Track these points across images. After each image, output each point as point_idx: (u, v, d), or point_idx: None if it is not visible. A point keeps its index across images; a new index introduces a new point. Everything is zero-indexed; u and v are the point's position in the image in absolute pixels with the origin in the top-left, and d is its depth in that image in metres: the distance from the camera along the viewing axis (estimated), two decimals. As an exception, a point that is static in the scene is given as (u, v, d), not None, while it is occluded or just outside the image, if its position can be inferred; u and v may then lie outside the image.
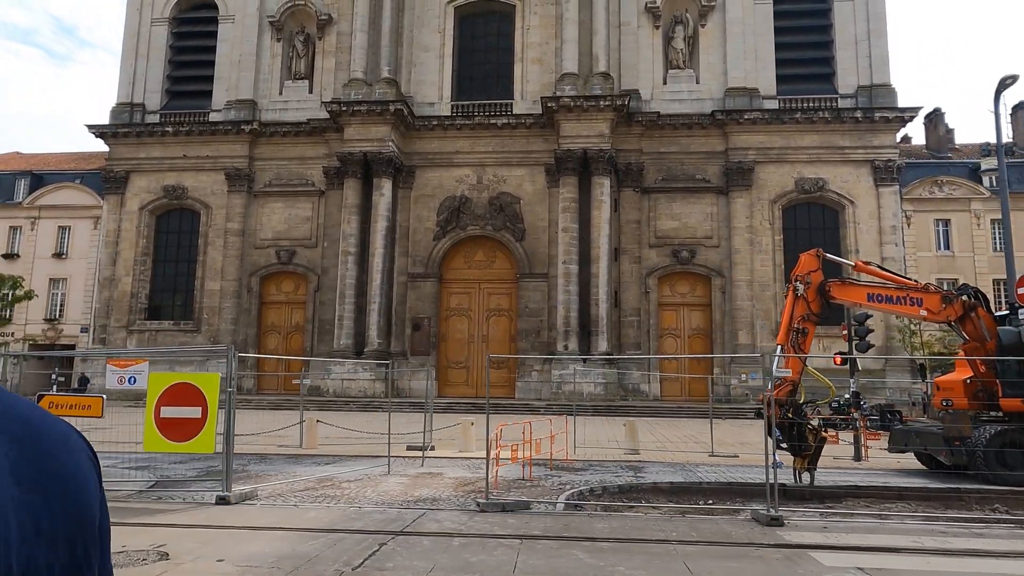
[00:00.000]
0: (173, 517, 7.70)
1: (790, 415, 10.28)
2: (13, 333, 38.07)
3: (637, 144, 36.46)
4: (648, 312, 35.80)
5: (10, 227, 39.98)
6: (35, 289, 37.78)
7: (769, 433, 9.28)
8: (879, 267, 11.47)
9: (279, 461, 12.89)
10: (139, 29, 40.64)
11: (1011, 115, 39.56)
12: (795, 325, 11.03)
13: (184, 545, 6.17)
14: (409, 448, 14.80)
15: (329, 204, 38.03)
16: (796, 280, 11.12)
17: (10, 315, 33.43)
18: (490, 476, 8.83)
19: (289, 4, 40.07)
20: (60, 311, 38.83)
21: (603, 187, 34.89)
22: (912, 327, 32.00)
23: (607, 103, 34.62)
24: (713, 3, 37.34)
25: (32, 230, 39.74)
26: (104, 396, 9.81)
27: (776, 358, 11.13)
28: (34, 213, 39.84)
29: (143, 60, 40.37)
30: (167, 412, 8.65)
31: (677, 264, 35.99)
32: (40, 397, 10.08)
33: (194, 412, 8.59)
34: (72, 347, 38.35)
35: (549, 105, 34.98)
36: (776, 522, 7.83)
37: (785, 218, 35.78)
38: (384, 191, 36.06)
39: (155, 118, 39.79)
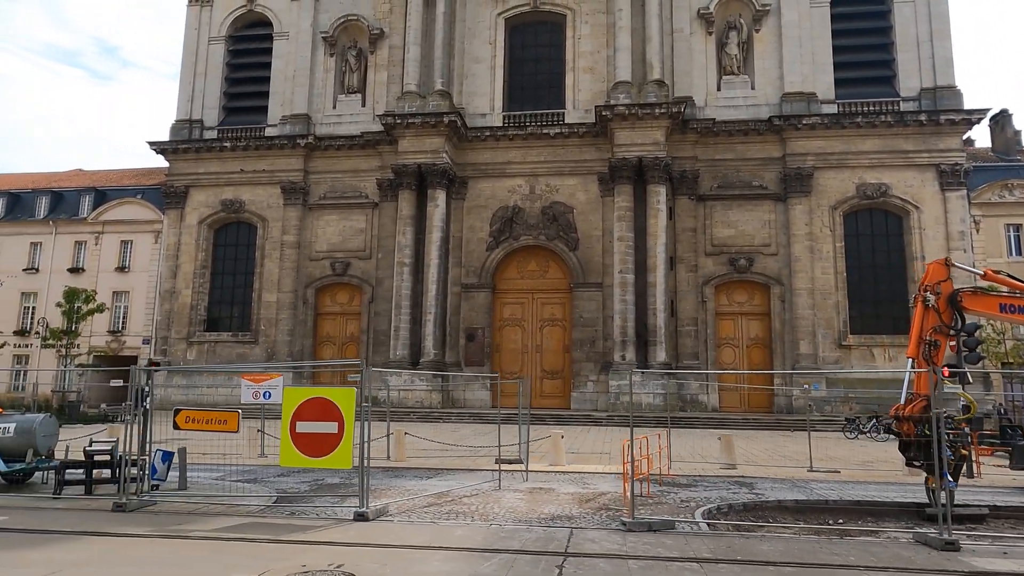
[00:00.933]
0: (325, 534, 7.69)
1: (927, 431, 9.88)
2: (79, 344, 38.99)
3: (692, 151, 36.08)
4: (705, 322, 35.28)
5: (75, 242, 41.12)
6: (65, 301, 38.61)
7: (923, 454, 8.90)
8: (1009, 276, 10.95)
9: (379, 475, 12.85)
10: (197, 48, 41.64)
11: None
12: (926, 337, 10.64)
13: (364, 565, 6.11)
14: (498, 461, 14.67)
15: (383, 216, 38.35)
16: (925, 290, 10.75)
17: (78, 328, 34.35)
18: (622, 493, 8.63)
19: (342, 19, 40.68)
20: (123, 323, 39.77)
21: (659, 195, 34.59)
22: (996, 336, 30.95)
23: (662, 111, 34.36)
24: (768, 8, 36.88)
25: (96, 245, 40.81)
26: (240, 411, 9.91)
27: (907, 372, 10.75)
28: (98, 228, 40.93)
29: (201, 78, 41.32)
30: (303, 427, 8.66)
31: (734, 272, 35.43)
32: (177, 411, 10.22)
33: (330, 427, 8.59)
34: (134, 359, 39.15)
35: (603, 114, 34.83)
36: (951, 547, 7.49)
37: (846, 225, 34.99)
38: (438, 202, 36.25)
39: (213, 134, 40.66)
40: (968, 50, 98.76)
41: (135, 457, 9.70)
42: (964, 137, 35.27)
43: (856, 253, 34.96)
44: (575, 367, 35.93)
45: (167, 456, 10.76)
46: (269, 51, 41.52)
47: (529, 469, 13.44)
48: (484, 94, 38.74)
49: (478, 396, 36.27)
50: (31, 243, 41.49)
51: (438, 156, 36.33)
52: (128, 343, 39.64)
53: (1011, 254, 34.27)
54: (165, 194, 40.29)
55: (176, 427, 9.96)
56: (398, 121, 36.35)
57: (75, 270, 40.79)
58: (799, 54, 36.15)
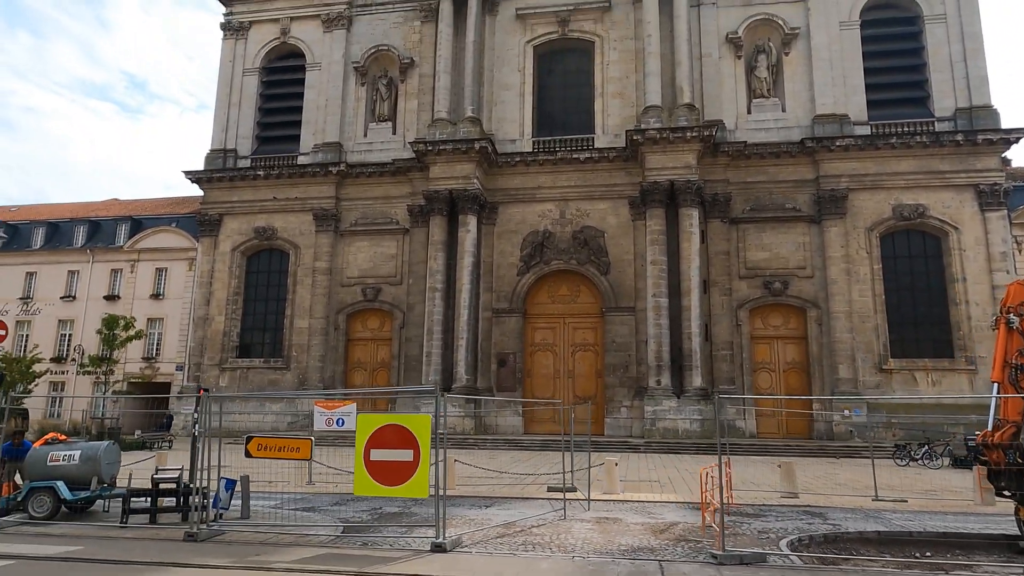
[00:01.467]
0: (408, 566, 7.52)
1: (1020, 459, 9.47)
2: (113, 371, 39.34)
3: (723, 174, 35.95)
4: (740, 346, 34.79)
5: (112, 270, 41.76)
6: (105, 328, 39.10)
7: (1015, 484, 8.53)
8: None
9: (426, 504, 12.57)
10: (232, 79, 42.54)
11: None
12: (1011, 360, 10.27)
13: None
14: (550, 489, 14.40)
15: (413, 242, 38.54)
16: (1007, 311, 10.41)
17: (117, 355, 34.78)
18: (700, 523, 8.36)
19: (373, 50, 41.41)
20: (156, 350, 40.14)
21: (692, 218, 34.42)
22: None
23: (693, 134, 34.35)
24: (797, 31, 36.94)
25: (132, 272, 41.41)
26: (312, 439, 9.80)
27: (993, 397, 10.38)
28: (133, 256, 41.56)
29: (235, 108, 42.14)
30: (377, 455, 8.53)
31: (769, 296, 34.99)
32: (249, 439, 10.14)
33: (405, 455, 8.44)
34: (167, 385, 39.46)
35: (635, 138, 34.89)
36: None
37: (883, 246, 34.48)
38: (470, 227, 36.36)
39: (246, 163, 41.32)
40: (1003, 68, 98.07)
41: (201, 486, 9.59)
42: (1001, 156, 34.77)
43: (894, 275, 34.39)
44: (608, 392, 35.52)
45: (230, 484, 10.67)
46: (301, 81, 42.30)
47: (596, 498, 13.09)
48: (513, 120, 39.05)
49: (510, 422, 35.95)
50: (68, 271, 42.22)
51: (469, 182, 36.54)
52: (162, 369, 39.97)
53: (1055, 275, 33.46)
54: (199, 222, 40.88)
55: (248, 455, 9.86)
56: (429, 148, 36.68)
57: (111, 297, 41.37)
58: (830, 76, 36.05)
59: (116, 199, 48.80)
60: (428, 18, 40.99)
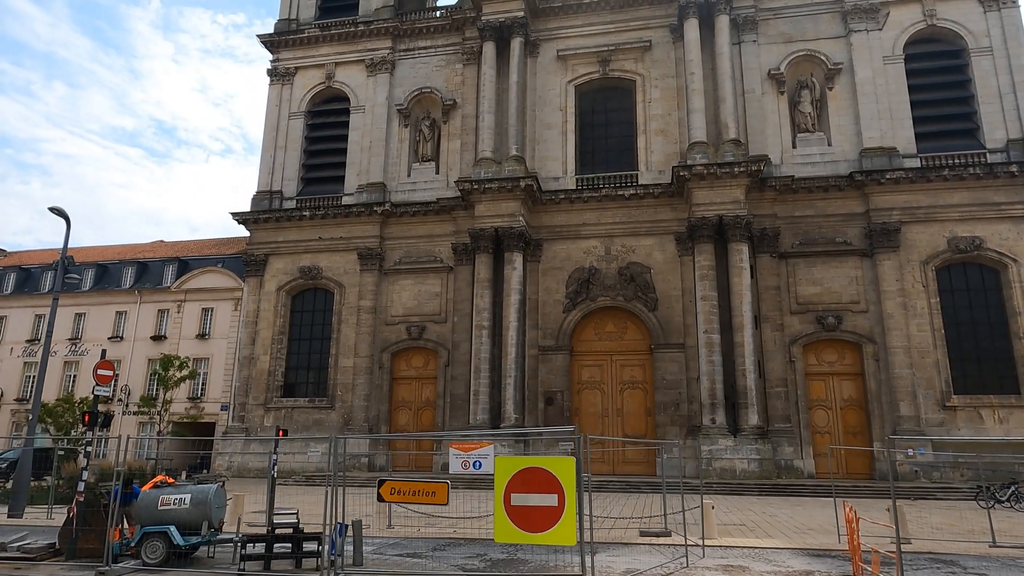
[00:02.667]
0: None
1: None
2: (168, 410, 39.36)
3: (771, 209, 35.67)
4: (795, 382, 33.99)
5: (158, 310, 42.31)
6: (162, 369, 39.34)
7: None
8: None
9: (543, 551, 12.02)
10: (278, 123, 43.54)
11: None
12: None
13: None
14: (643, 534, 13.87)
15: (458, 280, 38.56)
16: None
17: (171, 394, 34.98)
18: (856, 570, 7.88)
19: (416, 92, 42.21)
20: (202, 389, 40.25)
21: (741, 253, 34.06)
22: None
23: (741, 169, 34.24)
24: (840, 66, 36.99)
25: (178, 312, 41.89)
26: (448, 482, 9.55)
27: None
28: (180, 296, 42.10)
29: (281, 151, 43.02)
30: (518, 499, 8.23)
31: (823, 331, 34.29)
32: (381, 483, 9.89)
33: (549, 499, 8.14)
34: (212, 425, 39.44)
35: (681, 174, 34.85)
36: None
37: (939, 280, 33.76)
38: (516, 265, 36.32)
39: (292, 203, 41.95)
40: None
41: (327, 533, 9.29)
42: (1058, 187, 34.07)
43: (952, 309, 33.58)
44: (659, 431, 34.73)
45: (343, 529, 10.39)
46: (345, 124, 43.14)
47: (710, 543, 12.52)
48: (556, 158, 39.31)
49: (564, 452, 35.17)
50: (116, 312, 42.80)
51: (515, 220, 36.66)
52: (207, 409, 40.03)
53: (1123, 307, 32.42)
54: (246, 262, 41.37)
55: (380, 499, 9.61)
56: (475, 186, 36.95)
57: (158, 338, 41.80)
58: (876, 110, 35.91)
59: (162, 241, 49.74)
60: (470, 61, 41.78)
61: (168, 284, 42.41)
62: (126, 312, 42.55)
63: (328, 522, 9.29)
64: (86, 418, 12.42)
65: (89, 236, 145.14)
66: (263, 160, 43.17)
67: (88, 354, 42.46)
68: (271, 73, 44.70)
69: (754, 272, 34.68)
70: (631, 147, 39.15)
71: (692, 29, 37.27)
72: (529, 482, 8.32)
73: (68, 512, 11.34)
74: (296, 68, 44.44)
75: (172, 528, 10.60)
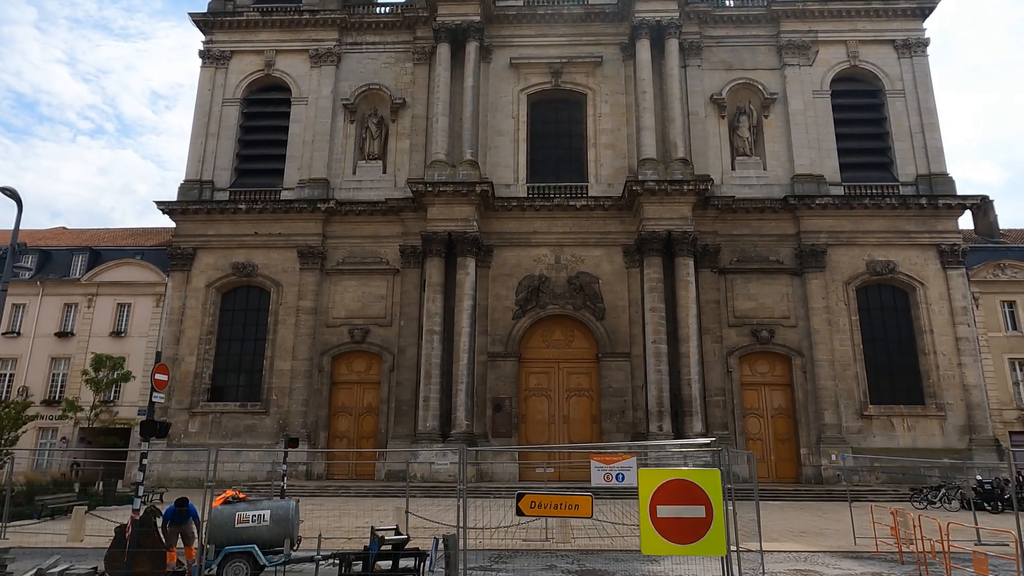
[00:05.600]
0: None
1: None
2: (63, 415, 35.74)
3: (712, 226, 37.53)
4: (732, 392, 35.91)
5: (65, 304, 38.34)
6: (92, 369, 35.89)
7: None
8: None
9: (576, 557, 12.06)
10: (210, 109, 40.85)
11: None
12: None
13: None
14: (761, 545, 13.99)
15: (405, 283, 37.73)
16: None
17: (109, 397, 31.58)
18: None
19: (363, 88, 40.99)
20: (115, 392, 36.75)
21: (687, 268, 35.60)
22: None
23: (690, 187, 35.82)
24: (775, 96, 39.60)
25: (89, 308, 38.14)
26: (592, 495, 9.21)
27: None
28: (92, 290, 38.36)
29: (213, 139, 40.38)
30: (664, 511, 8.19)
31: (757, 343, 36.46)
32: (520, 496, 9.38)
33: (697, 511, 8.17)
34: (127, 431, 36.19)
35: (634, 188, 35.96)
36: None
37: (859, 299, 36.84)
38: (469, 270, 36.05)
39: (224, 195, 39.47)
40: (957, 136, 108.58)
41: (417, 547, 8.80)
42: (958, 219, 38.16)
43: (870, 326, 36.71)
44: (604, 438, 35.50)
45: (436, 543, 9.85)
46: (285, 115, 41.15)
47: (745, 549, 12.91)
48: (508, 165, 39.42)
49: (507, 469, 35.20)
50: (13, 304, 38.32)
51: (468, 224, 36.40)
52: (121, 414, 36.64)
53: (1008, 328, 36.82)
54: (171, 256, 38.42)
55: (519, 513, 9.19)
56: (429, 188, 36.36)
57: (64, 334, 37.87)
58: (806, 139, 38.73)
59: (64, 227, 45.12)
60: (421, 60, 41.11)
61: (78, 276, 38.50)
62: (25, 305, 38.21)
63: (448, 535, 8.81)
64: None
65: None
66: (192, 147, 40.31)
67: (-25, 351, 37.72)
68: (204, 55, 41.90)
69: (696, 286, 36.30)
70: (581, 159, 39.95)
71: (644, 50, 38.65)
72: (675, 494, 8.35)
73: (116, 533, 10.00)
74: (232, 52, 41.91)
75: (255, 547, 9.64)
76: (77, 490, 25.05)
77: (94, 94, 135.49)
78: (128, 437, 36.15)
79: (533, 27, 41.10)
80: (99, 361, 31.71)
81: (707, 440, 10.67)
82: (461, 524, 8.78)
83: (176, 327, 37.31)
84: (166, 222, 40.13)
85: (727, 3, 41.84)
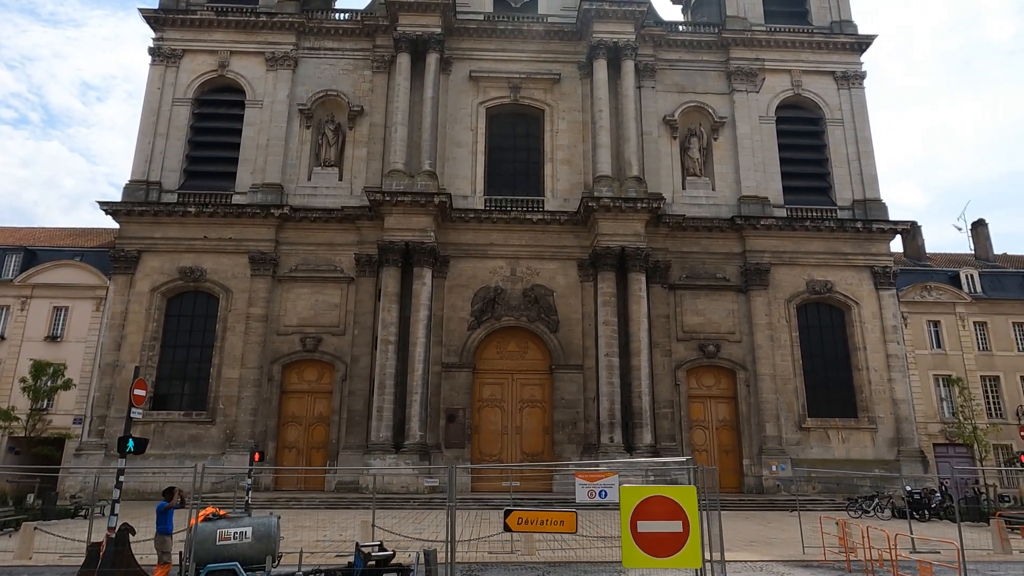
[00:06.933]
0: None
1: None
2: (28, 425, 33.56)
3: (663, 243, 38.70)
4: (680, 404, 37.02)
5: (-5, 306, 36.40)
6: (22, 374, 34.23)
7: None
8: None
9: (534, 569, 12.37)
10: (159, 108, 39.70)
11: (971, 231, 45.54)
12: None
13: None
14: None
15: (360, 291, 37.46)
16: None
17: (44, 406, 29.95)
18: None
19: (320, 94, 40.61)
20: (48, 399, 35.03)
21: (640, 283, 36.58)
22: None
23: (643, 205, 36.89)
24: (724, 120, 41.23)
25: (22, 311, 36.33)
26: (577, 512, 9.44)
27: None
28: (26, 292, 36.57)
29: (161, 139, 39.25)
30: (644, 526, 8.59)
31: (704, 358, 37.74)
32: (508, 512, 9.52)
33: (674, 526, 8.60)
34: (61, 441, 34.59)
35: (590, 204, 36.78)
36: None
37: (799, 316, 38.62)
38: (425, 280, 36.08)
39: (172, 197, 38.36)
40: (892, 162, 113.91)
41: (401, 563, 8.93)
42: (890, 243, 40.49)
43: (808, 342, 38.49)
44: (556, 449, 36.09)
45: (418, 558, 9.93)
46: (239, 117, 40.35)
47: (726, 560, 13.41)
48: (465, 177, 39.70)
49: (460, 480, 35.20)
50: (-64, 306, 36.24)
51: (426, 235, 36.47)
52: (55, 422, 34.95)
53: (933, 347, 39.27)
54: (113, 258, 37.03)
55: (507, 528, 9.38)
56: (386, 198, 36.27)
57: (-8, 338, 35.94)
58: (752, 162, 40.46)
59: (-5, 225, 42.85)
60: (380, 68, 41.04)
61: (10, 277, 36.65)
62: (-50, 306, 36.11)
63: (428, 550, 8.97)
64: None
65: None
66: (139, 147, 39.03)
67: None
68: (153, 52, 40.71)
69: (648, 301, 37.31)
70: (538, 173, 40.59)
71: (601, 69, 39.65)
72: (654, 510, 8.78)
73: (89, 552, 9.65)
74: (184, 51, 40.86)
75: (238, 565, 9.54)
76: (12, 504, 23.83)
77: (19, 82, 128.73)
78: (62, 447, 34.57)
79: (494, 41, 41.61)
80: (39, 368, 30.24)
81: (683, 459, 11.19)
82: (449, 538, 8.98)
83: (117, 332, 35.94)
84: (104, 220, 38.75)
85: (680, 28, 43.39)
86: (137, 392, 11.33)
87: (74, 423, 34.91)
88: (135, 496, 31.32)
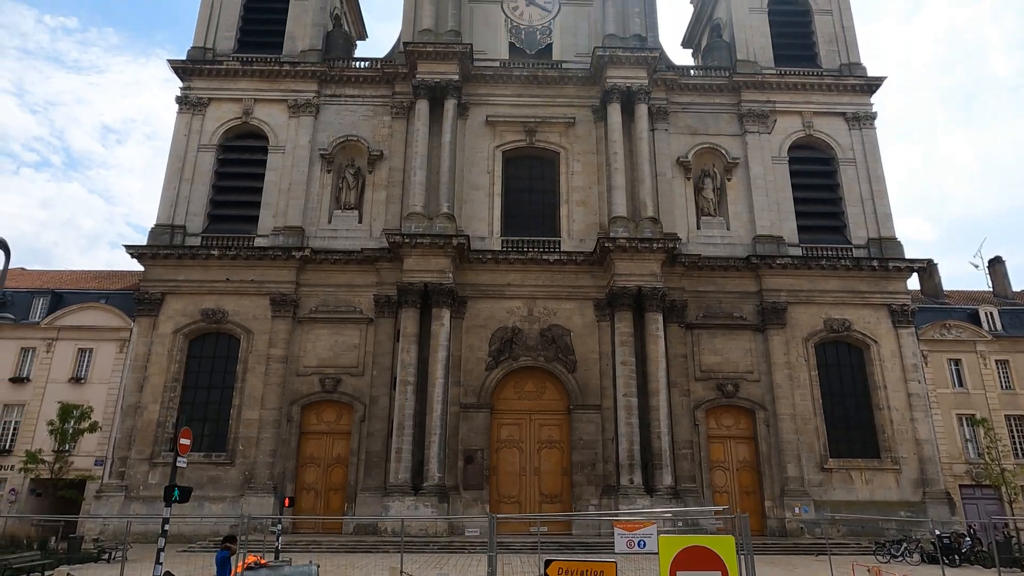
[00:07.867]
0: None
1: None
2: (13, 466, 34.28)
3: (679, 283, 38.90)
4: (699, 445, 36.73)
5: (22, 348, 37.05)
6: (46, 416, 34.71)
7: None
8: None
9: None
10: (185, 154, 40.83)
11: (988, 268, 45.41)
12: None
13: None
14: None
15: (379, 332, 37.80)
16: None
17: (68, 448, 30.29)
18: None
19: (341, 139, 41.64)
20: (74, 441, 35.32)
21: (657, 323, 36.69)
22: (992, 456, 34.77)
23: (659, 245, 37.23)
24: (737, 161, 41.78)
25: (48, 352, 36.93)
26: (616, 562, 9.54)
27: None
28: (52, 334, 37.23)
29: (187, 184, 40.27)
30: (684, 577, 8.67)
31: (722, 397, 37.55)
32: (548, 563, 9.66)
33: (714, 575, 8.67)
34: (82, 484, 34.78)
35: (606, 244, 37.17)
36: None
37: (818, 355, 38.45)
38: (443, 321, 36.40)
39: (196, 240, 39.18)
40: (905, 199, 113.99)
41: None
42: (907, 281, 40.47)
43: (827, 381, 38.25)
44: (575, 491, 35.81)
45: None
46: (261, 162, 41.38)
47: None
48: (482, 219, 40.31)
49: (477, 523, 34.96)
50: (-36, 348, 36.92)
51: (444, 276, 36.91)
52: (76, 464, 35.19)
53: (955, 386, 38.87)
54: (138, 300, 37.72)
55: None
56: (406, 240, 36.87)
57: (18, 380, 36.50)
58: (766, 202, 40.83)
59: (23, 268, 43.82)
60: (399, 114, 42.10)
61: (37, 319, 37.37)
62: (-22, 349, 36.80)
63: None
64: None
65: None
66: (165, 192, 40.05)
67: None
68: (180, 101, 42.05)
69: (665, 340, 37.36)
70: (554, 215, 41.15)
71: (615, 113, 40.47)
72: (694, 560, 8.85)
73: None
74: (210, 99, 42.17)
75: None
76: (36, 548, 23.95)
77: (41, 126, 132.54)
78: (83, 489, 34.74)
79: (509, 87, 42.66)
80: (65, 410, 30.64)
81: (721, 508, 11.24)
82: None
83: (140, 374, 36.39)
84: (126, 261, 39.52)
85: (692, 72, 44.33)
86: (183, 441, 11.56)
87: (95, 464, 35.14)
88: (154, 540, 31.31)
